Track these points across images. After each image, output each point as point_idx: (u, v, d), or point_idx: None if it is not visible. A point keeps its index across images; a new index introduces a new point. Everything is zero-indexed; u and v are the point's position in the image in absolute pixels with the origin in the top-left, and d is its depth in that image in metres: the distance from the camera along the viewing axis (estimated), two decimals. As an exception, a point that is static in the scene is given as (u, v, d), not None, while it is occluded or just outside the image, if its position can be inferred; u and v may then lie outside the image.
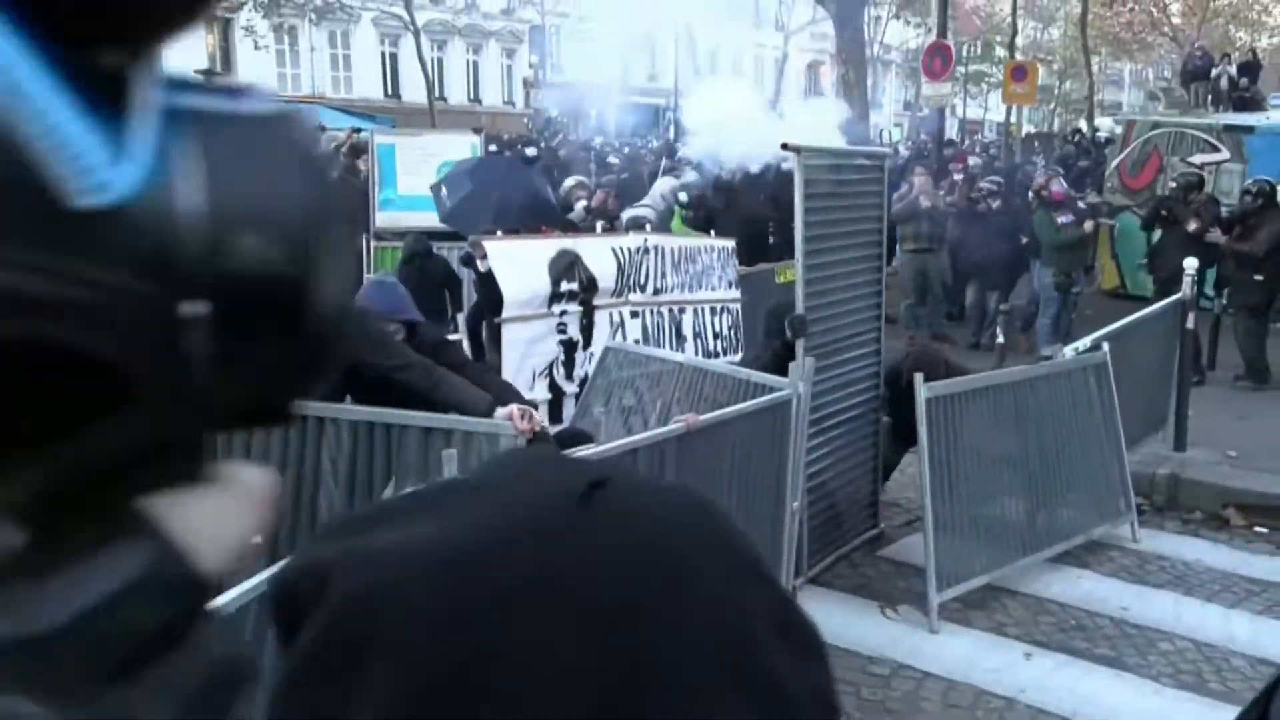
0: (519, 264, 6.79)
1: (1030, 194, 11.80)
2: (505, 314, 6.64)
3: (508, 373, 6.50)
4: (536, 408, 4.17)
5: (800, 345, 5.67)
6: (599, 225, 9.11)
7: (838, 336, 6.15)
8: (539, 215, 9.40)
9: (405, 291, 5.37)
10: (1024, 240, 11.21)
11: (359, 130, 15.04)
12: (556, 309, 6.95)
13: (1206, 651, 5.17)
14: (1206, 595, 5.88)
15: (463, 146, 10.73)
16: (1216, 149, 13.17)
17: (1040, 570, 6.05)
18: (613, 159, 19.78)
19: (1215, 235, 10.16)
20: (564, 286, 6.92)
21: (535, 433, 3.93)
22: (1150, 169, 13.90)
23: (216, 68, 29.10)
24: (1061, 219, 10.80)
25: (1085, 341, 7.02)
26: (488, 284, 7.56)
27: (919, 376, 5.52)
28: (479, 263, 6.93)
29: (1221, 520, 7.05)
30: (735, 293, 8.47)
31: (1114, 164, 14.73)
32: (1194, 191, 10.63)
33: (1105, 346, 6.67)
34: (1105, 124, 18.29)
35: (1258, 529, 6.92)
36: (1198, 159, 13.10)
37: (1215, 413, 8.53)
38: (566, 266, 6.95)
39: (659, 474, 4.38)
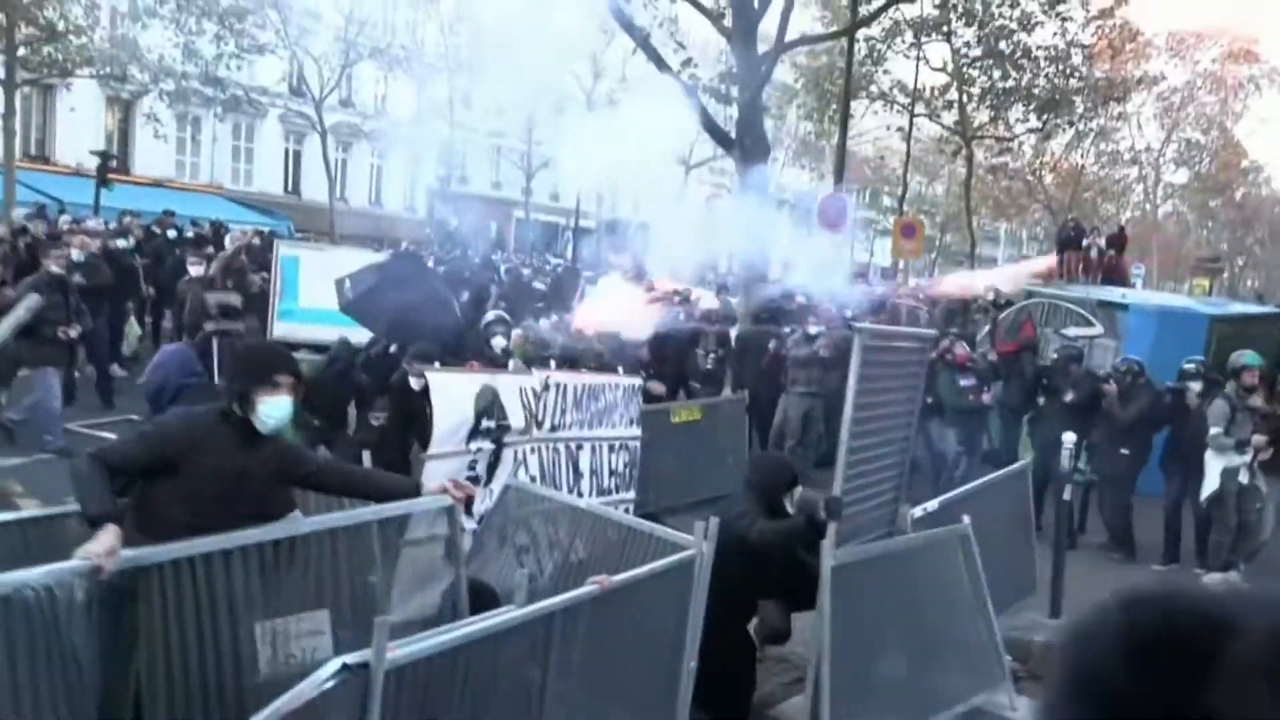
0: (453, 399, 6.83)
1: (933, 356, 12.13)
2: (432, 450, 6.65)
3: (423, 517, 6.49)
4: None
5: (832, 527, 5.54)
6: (511, 363, 9.18)
7: (861, 518, 6.10)
8: (440, 323, 9.37)
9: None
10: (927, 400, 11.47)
11: (261, 232, 14.91)
12: (473, 446, 6.97)
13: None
14: (1080, 771, 6.00)
15: (369, 263, 10.69)
16: (1090, 323, 13.45)
17: (925, 740, 6.13)
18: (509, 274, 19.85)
19: (1109, 388, 10.43)
20: (484, 424, 6.96)
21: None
22: (1024, 338, 13.65)
23: (113, 149, 28.49)
24: (964, 382, 11.21)
25: (933, 504, 7.26)
26: (405, 403, 7.53)
27: (826, 544, 5.57)
28: (412, 379, 6.93)
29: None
30: (636, 430, 8.57)
31: (987, 329, 14.59)
32: (1074, 364, 11.11)
33: (966, 519, 6.85)
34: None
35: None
36: (1071, 331, 13.35)
37: (1085, 577, 8.86)
38: (488, 404, 7.00)
39: (571, 634, 4.36)
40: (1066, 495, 8.18)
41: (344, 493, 4.64)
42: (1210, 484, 9.50)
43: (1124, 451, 10.27)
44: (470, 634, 3.74)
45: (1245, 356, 9.84)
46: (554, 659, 4.29)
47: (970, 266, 33.45)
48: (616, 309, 11.35)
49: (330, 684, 3.15)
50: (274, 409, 4.11)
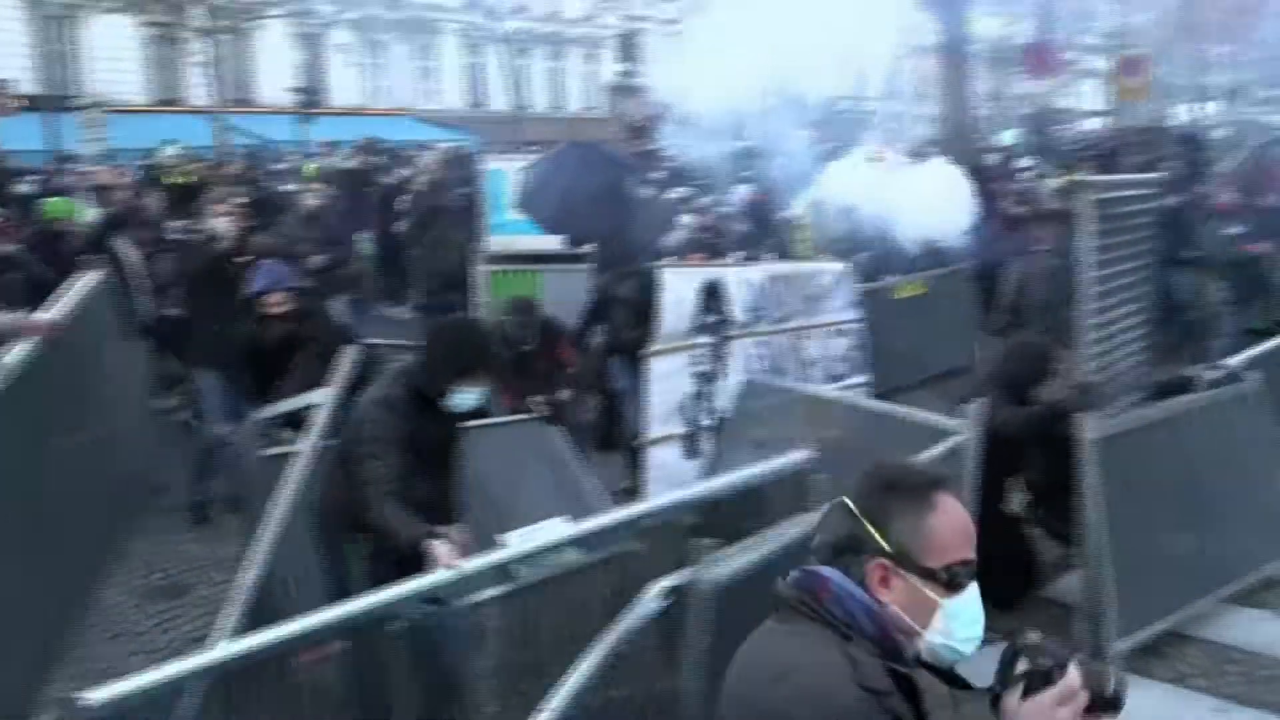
0: (679, 293, 6.76)
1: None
2: (656, 345, 6.59)
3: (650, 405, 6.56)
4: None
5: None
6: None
7: (1112, 386, 5.84)
8: (614, 209, 9.15)
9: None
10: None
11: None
12: (698, 340, 6.88)
13: None
14: (1403, 637, 5.51)
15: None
16: None
17: (1218, 613, 5.73)
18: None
19: None
20: (707, 319, 6.86)
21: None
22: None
23: (308, 84, 29.46)
24: (1231, 230, 9.89)
25: (1236, 360, 6.67)
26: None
27: (1079, 417, 5.22)
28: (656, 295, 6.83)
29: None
30: (854, 313, 8.31)
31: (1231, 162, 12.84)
32: None
33: (1255, 374, 6.32)
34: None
35: None
36: None
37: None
38: (710, 297, 6.89)
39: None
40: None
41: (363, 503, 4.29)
42: None
43: None
44: (783, 545, 3.57)
45: None
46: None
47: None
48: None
49: (655, 608, 3.08)
50: (468, 397, 4.20)
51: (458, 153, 15.59)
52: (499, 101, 34.27)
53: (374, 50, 33.65)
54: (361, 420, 4.12)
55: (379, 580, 3.61)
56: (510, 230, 10.27)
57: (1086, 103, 40.57)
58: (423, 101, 35.37)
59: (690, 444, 7.03)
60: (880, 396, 8.77)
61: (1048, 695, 1.69)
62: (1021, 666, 1.73)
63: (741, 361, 7.11)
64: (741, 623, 3.33)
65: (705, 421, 7.05)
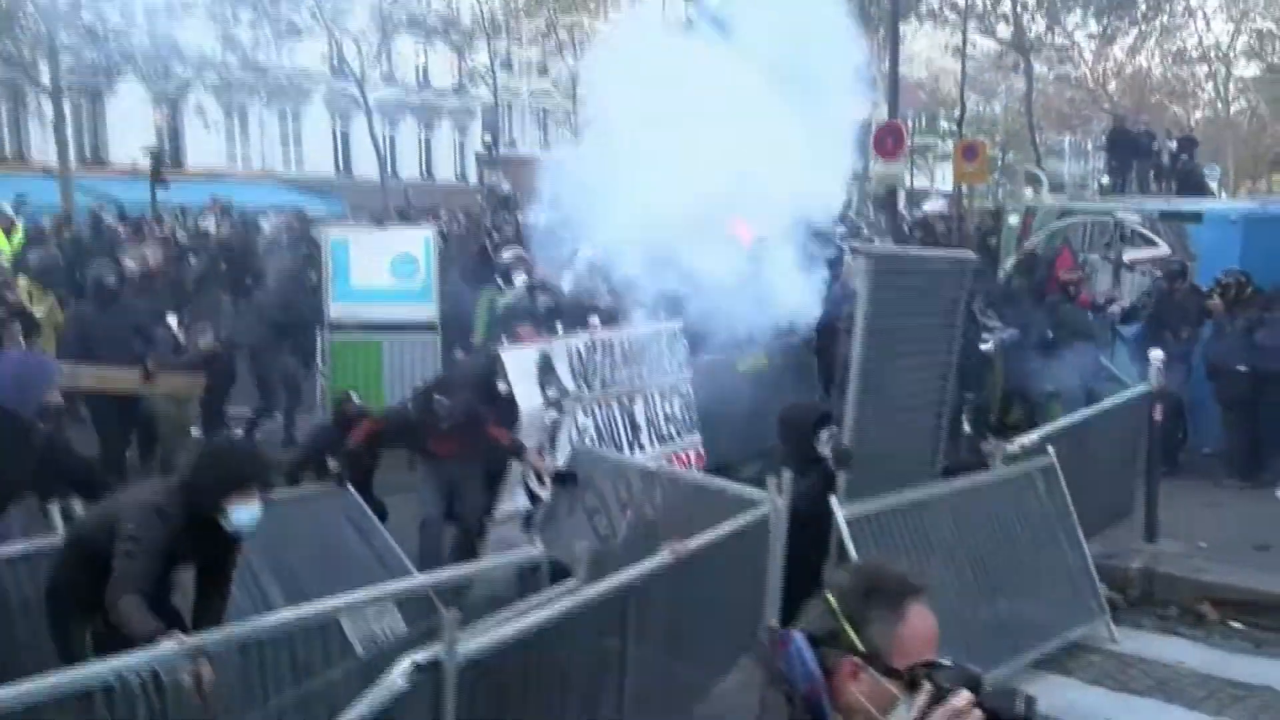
0: (525, 374, 6.83)
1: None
2: (523, 432, 6.62)
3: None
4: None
5: (842, 477, 5.36)
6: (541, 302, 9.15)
7: (890, 464, 5.74)
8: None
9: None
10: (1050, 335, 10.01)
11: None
12: (546, 418, 6.89)
13: (1198, 769, 5.04)
14: (1190, 702, 5.75)
15: (417, 241, 10.57)
16: (1151, 242, 10.99)
17: (1022, 679, 5.87)
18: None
19: (1215, 304, 9.57)
20: (549, 394, 6.88)
21: None
22: (1060, 270, 11.29)
23: (165, 146, 28.76)
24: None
25: (1033, 436, 6.96)
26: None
27: (834, 497, 5.34)
28: (500, 385, 6.83)
29: (1197, 615, 6.97)
30: (686, 373, 8.40)
31: (1010, 262, 12.02)
32: (1178, 281, 9.79)
33: (1050, 450, 6.61)
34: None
35: (1233, 624, 6.84)
36: (1130, 255, 11.14)
37: (1180, 501, 8.49)
38: (547, 371, 6.92)
39: (647, 603, 4.22)
40: (1157, 416, 7.79)
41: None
42: None
43: (1241, 369, 9.32)
44: (542, 620, 3.57)
45: None
46: (631, 629, 4.14)
47: (1035, 187, 32.48)
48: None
49: (402, 685, 3.02)
50: (247, 514, 4.12)
51: (300, 218, 15.42)
52: (367, 169, 34.03)
53: (235, 113, 33.10)
54: (122, 519, 4.00)
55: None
56: (352, 299, 10.18)
57: (940, 184, 42.51)
58: (287, 166, 34.89)
59: (528, 519, 7.00)
60: (721, 467, 8.89)
61: (936, 714, 1.90)
62: (926, 690, 1.94)
63: (569, 432, 7.10)
64: (496, 698, 3.34)
65: (544, 493, 7.02)
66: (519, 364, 6.86)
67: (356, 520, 6.42)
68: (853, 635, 2.02)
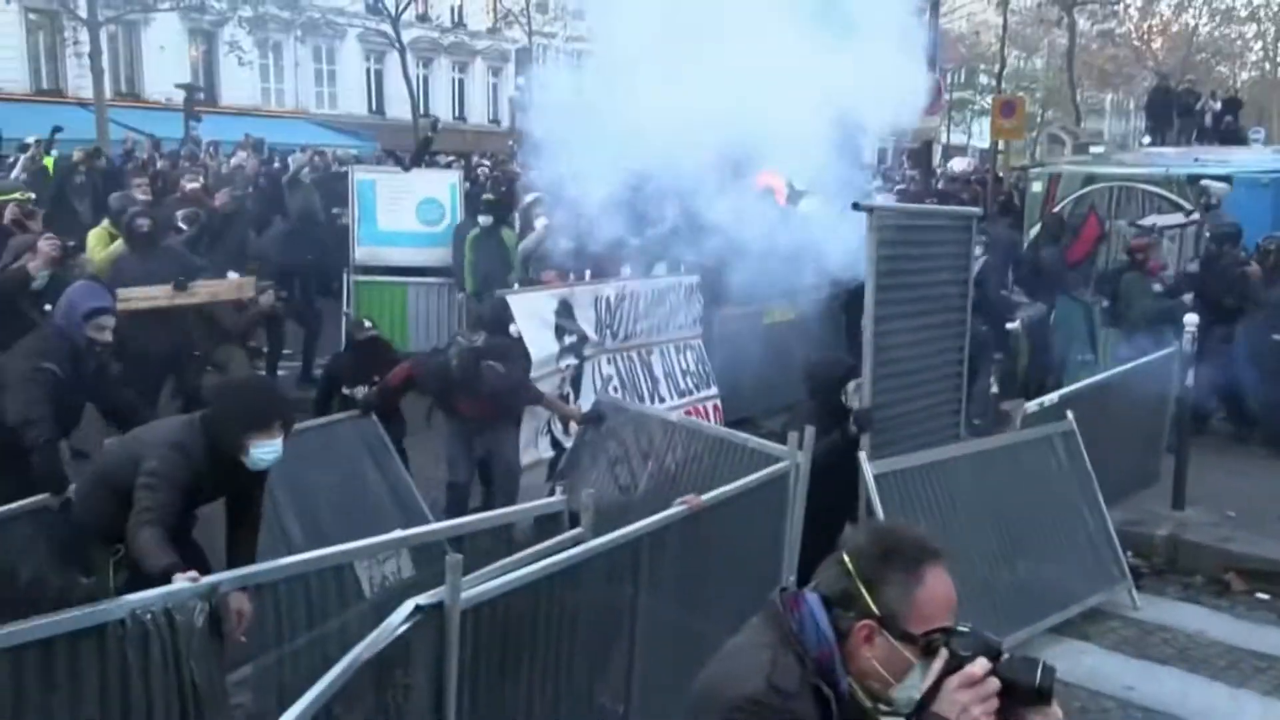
0: (538, 318, 6.72)
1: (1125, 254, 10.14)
2: (534, 374, 6.53)
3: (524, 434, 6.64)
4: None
5: (866, 439, 5.29)
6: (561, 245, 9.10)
7: (912, 425, 5.66)
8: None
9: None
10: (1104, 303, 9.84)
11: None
12: (563, 363, 6.83)
13: (1216, 739, 4.99)
14: (1212, 672, 5.69)
15: (442, 185, 10.51)
16: (1179, 207, 10.78)
17: (1041, 644, 5.85)
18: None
19: (1254, 270, 9.32)
20: (566, 340, 6.82)
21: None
22: (1087, 237, 11.31)
23: (199, 81, 28.70)
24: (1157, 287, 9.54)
25: (1053, 397, 6.86)
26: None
27: (862, 454, 5.27)
28: (511, 328, 6.71)
29: (1222, 585, 6.89)
30: (698, 329, 8.34)
31: (1034, 230, 11.73)
32: (1228, 244, 9.45)
33: (1069, 414, 6.52)
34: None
35: (1259, 595, 6.76)
36: (1160, 221, 10.86)
37: (1210, 468, 8.38)
38: (566, 318, 6.85)
39: (660, 555, 4.19)
40: (1189, 381, 7.66)
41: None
42: None
43: (1277, 338, 9.05)
44: (549, 566, 3.56)
45: None
46: (643, 579, 4.12)
47: (1073, 145, 31.93)
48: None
49: (404, 628, 3.01)
50: (267, 452, 4.14)
51: (321, 155, 15.35)
52: (399, 109, 33.85)
53: (270, 51, 32.95)
54: (145, 455, 4.04)
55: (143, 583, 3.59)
56: (378, 241, 10.15)
57: (976, 140, 41.88)
58: (320, 105, 34.77)
59: (552, 467, 6.98)
60: (744, 420, 8.84)
61: (951, 680, 1.87)
62: (942, 656, 1.91)
63: (593, 380, 7.06)
64: (499, 642, 3.34)
65: (568, 442, 7.00)
66: (531, 308, 6.77)
67: (376, 451, 6.49)
68: (868, 598, 1.97)
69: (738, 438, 5.65)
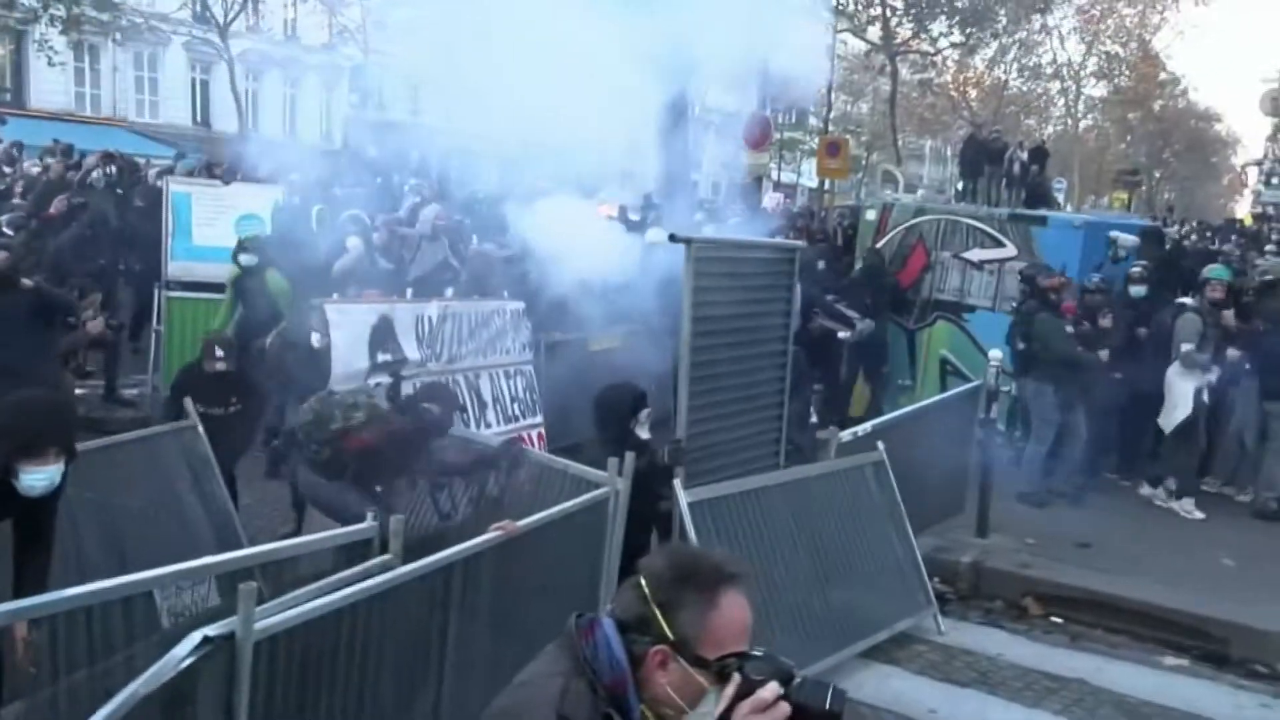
0: (349, 332, 6.47)
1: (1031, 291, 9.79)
2: (332, 387, 6.26)
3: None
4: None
5: (679, 474, 5.26)
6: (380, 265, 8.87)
7: (730, 453, 5.72)
8: None
9: None
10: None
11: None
12: (372, 381, 6.62)
13: (1011, 759, 5.20)
14: (1010, 693, 5.94)
15: (264, 200, 10.12)
16: (999, 242, 11.22)
17: (851, 668, 6.00)
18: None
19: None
20: (380, 357, 6.62)
21: None
22: (914, 265, 11.69)
23: (6, 83, 27.05)
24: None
25: (866, 427, 7.10)
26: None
27: (677, 481, 5.31)
28: (314, 338, 6.46)
29: (1021, 610, 7.23)
30: (528, 355, 8.29)
31: (861, 261, 12.13)
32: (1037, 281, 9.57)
33: (880, 445, 6.74)
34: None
35: (1054, 619, 7.12)
36: (976, 254, 11.33)
37: (1012, 498, 8.82)
38: (384, 335, 6.66)
39: (475, 582, 4.09)
40: (992, 413, 8.04)
41: None
42: (1180, 406, 8.84)
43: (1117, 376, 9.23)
44: (352, 594, 3.42)
45: (1212, 270, 9.61)
46: (454, 606, 4.01)
47: (893, 186, 33.33)
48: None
49: (190, 660, 2.82)
50: (38, 477, 3.88)
51: (117, 158, 14.64)
52: (226, 122, 32.68)
53: (86, 53, 31.33)
54: None
55: None
56: (192, 256, 9.71)
57: (805, 180, 43.28)
58: (140, 114, 33.25)
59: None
60: (571, 447, 8.80)
61: (743, 706, 1.84)
62: (735, 681, 1.87)
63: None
64: (296, 675, 3.19)
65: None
66: (347, 319, 6.57)
67: (198, 470, 6.21)
68: (662, 622, 1.92)
69: (558, 463, 5.60)
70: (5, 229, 8.96)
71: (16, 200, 12.01)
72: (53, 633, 3.45)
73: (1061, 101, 46.25)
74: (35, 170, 14.57)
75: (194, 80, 35.14)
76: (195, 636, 2.86)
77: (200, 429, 6.27)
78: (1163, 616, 6.88)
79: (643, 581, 1.98)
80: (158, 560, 4.14)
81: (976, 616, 7.13)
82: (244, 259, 8.67)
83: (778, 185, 44.09)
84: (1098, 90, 45.67)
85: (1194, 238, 22.69)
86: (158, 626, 3.92)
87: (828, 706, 1.87)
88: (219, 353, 6.67)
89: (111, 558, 5.29)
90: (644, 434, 5.35)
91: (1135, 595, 7.06)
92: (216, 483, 6.31)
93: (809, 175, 43.56)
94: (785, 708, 1.84)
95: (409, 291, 7.83)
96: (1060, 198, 28.33)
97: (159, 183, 11.90)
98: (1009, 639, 6.77)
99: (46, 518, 4.18)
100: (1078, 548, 7.95)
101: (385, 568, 3.76)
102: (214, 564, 3.97)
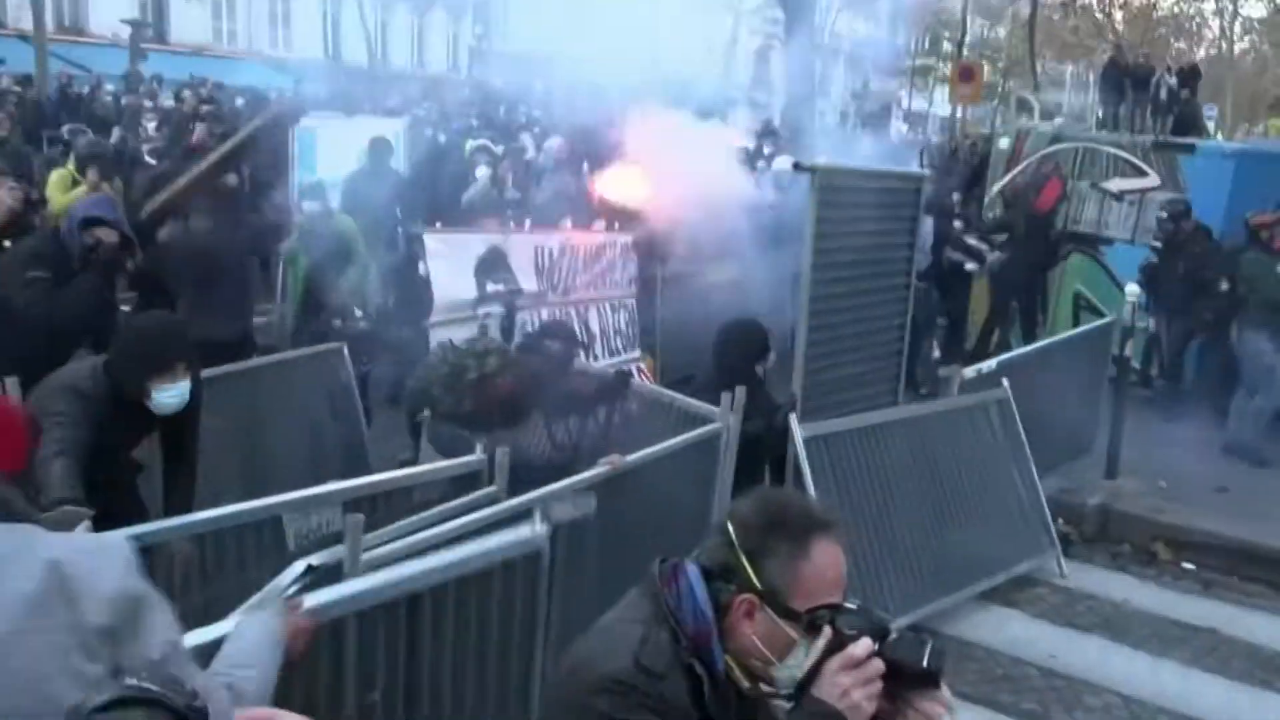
0: (452, 261, 6.49)
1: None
2: (435, 317, 6.33)
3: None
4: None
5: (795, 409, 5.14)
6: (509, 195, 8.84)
7: (848, 389, 5.58)
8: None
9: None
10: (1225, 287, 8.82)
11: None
12: (481, 311, 6.65)
13: (1134, 708, 5.02)
14: (1134, 641, 5.73)
15: (389, 132, 10.19)
16: (1142, 172, 10.66)
17: (968, 609, 5.87)
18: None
19: None
20: (489, 287, 6.64)
21: None
22: (1049, 194, 11.21)
23: (147, 18, 27.92)
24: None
25: (991, 364, 6.85)
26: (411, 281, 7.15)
27: (793, 416, 5.18)
28: (420, 265, 6.52)
29: (1150, 554, 6.95)
30: (632, 289, 8.20)
31: (998, 186, 11.79)
32: (1183, 220, 9.22)
33: (1005, 381, 6.50)
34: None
35: (1185, 565, 6.83)
36: (1115, 184, 10.84)
37: (1145, 438, 8.45)
38: (494, 265, 6.66)
39: (583, 521, 4.08)
40: (1127, 350, 7.69)
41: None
42: None
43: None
44: (457, 528, 3.44)
45: None
46: (561, 540, 4.01)
47: (1032, 114, 31.96)
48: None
49: (293, 589, 2.86)
50: (170, 395, 4.01)
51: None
52: (357, 54, 33.16)
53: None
54: (50, 398, 3.90)
55: None
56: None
57: (937, 108, 41.92)
58: (274, 47, 33.99)
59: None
60: (684, 380, 8.76)
61: (833, 662, 1.76)
62: (826, 634, 1.79)
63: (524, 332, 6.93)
64: (403, 604, 3.20)
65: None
66: (447, 249, 6.57)
67: (337, 397, 6.38)
68: (750, 571, 1.84)
69: (665, 396, 5.55)
70: (148, 158, 9.25)
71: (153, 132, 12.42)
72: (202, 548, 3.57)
73: (1216, 23, 43.54)
74: (170, 104, 15.02)
75: (325, 13, 35.71)
76: (300, 565, 2.90)
77: (345, 351, 6.42)
78: (1304, 566, 6.55)
79: (730, 527, 1.90)
80: (290, 483, 4.27)
81: (1102, 560, 6.89)
82: (307, 206, 8.39)
83: (908, 113, 42.89)
84: (1256, 9, 42.82)
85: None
86: (285, 549, 4.04)
87: (925, 664, 1.78)
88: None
89: (247, 480, 5.47)
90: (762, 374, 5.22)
91: (1273, 542, 6.72)
92: (356, 409, 6.45)
93: (942, 104, 42.17)
94: (878, 664, 1.75)
95: (527, 222, 7.79)
96: (1211, 125, 26.71)
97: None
98: (1136, 584, 6.52)
99: (188, 437, 4.36)
100: (1215, 492, 7.60)
101: (491, 500, 3.77)
102: (329, 493, 4.03)
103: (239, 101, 16.96)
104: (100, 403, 3.89)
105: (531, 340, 5.96)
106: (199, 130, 10.90)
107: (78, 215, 5.33)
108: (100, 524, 3.48)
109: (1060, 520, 6.94)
